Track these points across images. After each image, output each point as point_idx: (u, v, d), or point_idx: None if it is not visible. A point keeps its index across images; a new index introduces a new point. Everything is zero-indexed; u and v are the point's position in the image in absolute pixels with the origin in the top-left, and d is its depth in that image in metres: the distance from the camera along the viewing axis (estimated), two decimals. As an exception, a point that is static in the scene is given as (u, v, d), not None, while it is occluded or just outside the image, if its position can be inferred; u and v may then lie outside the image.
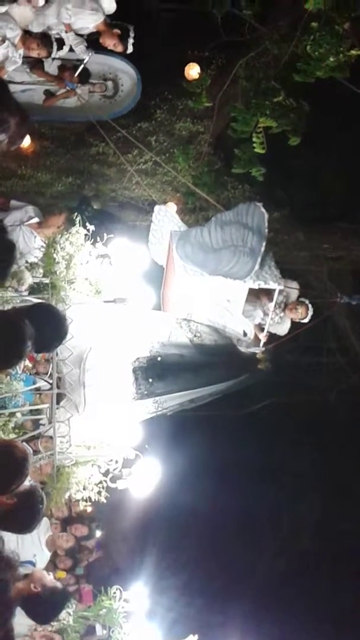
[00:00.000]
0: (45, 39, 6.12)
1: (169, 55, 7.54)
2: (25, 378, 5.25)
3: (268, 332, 5.97)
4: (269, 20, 7.20)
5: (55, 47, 6.19)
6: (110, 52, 6.98)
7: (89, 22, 6.40)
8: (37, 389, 4.96)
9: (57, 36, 6.31)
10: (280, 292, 6.03)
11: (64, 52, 6.56)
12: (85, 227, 5.09)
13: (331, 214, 8.87)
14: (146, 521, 8.81)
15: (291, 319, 6.05)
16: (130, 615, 5.47)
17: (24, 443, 4.63)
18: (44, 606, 3.31)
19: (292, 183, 8.49)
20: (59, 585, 3.40)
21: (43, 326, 3.26)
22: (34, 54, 6.16)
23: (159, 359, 5.26)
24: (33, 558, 6.22)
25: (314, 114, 6.96)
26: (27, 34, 6.02)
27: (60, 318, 3.49)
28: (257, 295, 6.03)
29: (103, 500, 4.82)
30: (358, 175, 8.39)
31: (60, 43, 6.38)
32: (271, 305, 5.79)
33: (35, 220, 5.89)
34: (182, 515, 9.20)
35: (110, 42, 6.51)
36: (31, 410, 4.96)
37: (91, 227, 5.12)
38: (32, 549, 6.13)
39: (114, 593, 5.39)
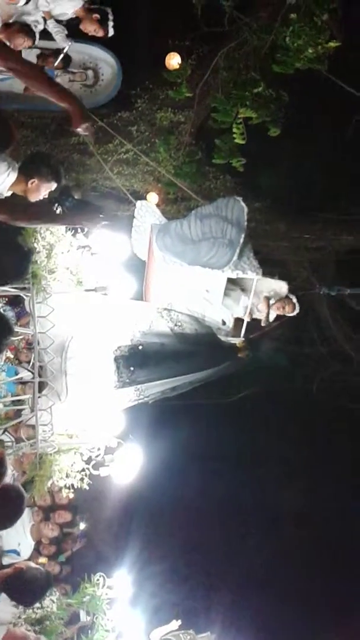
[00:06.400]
0: (26, 29, 6.07)
1: (149, 44, 7.53)
2: (7, 369, 5.28)
3: (252, 318, 6.04)
4: (249, 11, 7.22)
5: (37, 34, 6.16)
6: (90, 41, 6.95)
7: (68, 7, 6.33)
8: (20, 380, 4.98)
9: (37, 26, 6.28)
10: (270, 289, 6.12)
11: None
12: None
13: (312, 204, 8.91)
14: (130, 509, 8.87)
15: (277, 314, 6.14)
16: (114, 602, 5.52)
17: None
18: (26, 589, 3.36)
19: (273, 173, 8.51)
20: (42, 570, 3.45)
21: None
22: (21, 46, 6.07)
23: (140, 347, 5.27)
24: (17, 547, 6.26)
25: (294, 105, 7.00)
26: (6, 27, 5.98)
27: (19, 245, 3.52)
28: (240, 287, 6.08)
29: (85, 487, 4.85)
30: (338, 166, 8.46)
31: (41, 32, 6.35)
32: (249, 301, 5.88)
33: (12, 178, 5.20)
34: (165, 502, 9.28)
35: (90, 28, 6.45)
36: (13, 401, 4.98)
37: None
38: (17, 537, 6.17)
39: (98, 580, 5.44)
